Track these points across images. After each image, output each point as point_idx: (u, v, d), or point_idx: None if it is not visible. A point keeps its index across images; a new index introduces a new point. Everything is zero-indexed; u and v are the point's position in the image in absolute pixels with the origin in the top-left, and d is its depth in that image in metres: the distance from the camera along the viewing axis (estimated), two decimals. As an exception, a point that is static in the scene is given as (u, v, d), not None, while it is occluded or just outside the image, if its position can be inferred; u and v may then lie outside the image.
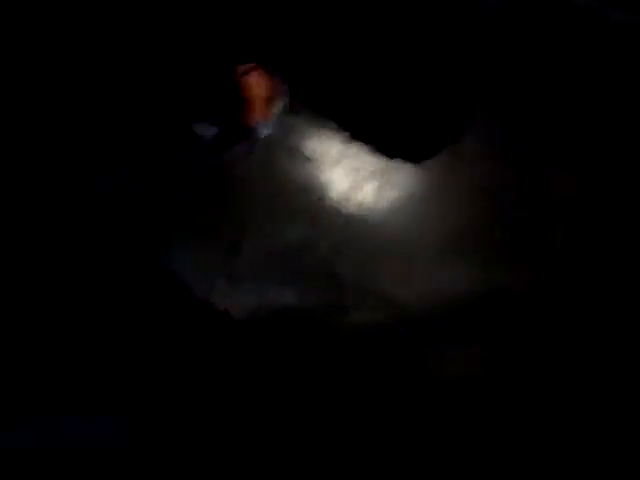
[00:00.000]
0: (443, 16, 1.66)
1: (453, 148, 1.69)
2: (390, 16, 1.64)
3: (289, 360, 1.57)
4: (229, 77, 1.57)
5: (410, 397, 1.55)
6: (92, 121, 1.64)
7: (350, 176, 1.70)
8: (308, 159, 1.69)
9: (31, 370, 1.52)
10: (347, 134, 1.68)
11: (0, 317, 1.54)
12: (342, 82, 1.65)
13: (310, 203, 1.68)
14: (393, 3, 1.64)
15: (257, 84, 1.57)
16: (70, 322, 1.55)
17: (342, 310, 1.61)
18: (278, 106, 1.64)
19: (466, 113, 1.70)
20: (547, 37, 1.76)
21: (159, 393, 1.53)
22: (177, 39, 1.61)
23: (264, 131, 1.63)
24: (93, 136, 1.64)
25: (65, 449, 1.42)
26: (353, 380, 1.57)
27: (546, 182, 1.73)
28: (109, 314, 1.56)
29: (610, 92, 1.74)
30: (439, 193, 1.73)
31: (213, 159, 1.63)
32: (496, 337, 1.62)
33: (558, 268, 1.67)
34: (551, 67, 1.76)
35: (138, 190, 1.62)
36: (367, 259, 1.65)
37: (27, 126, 1.63)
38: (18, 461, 1.40)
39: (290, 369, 1.56)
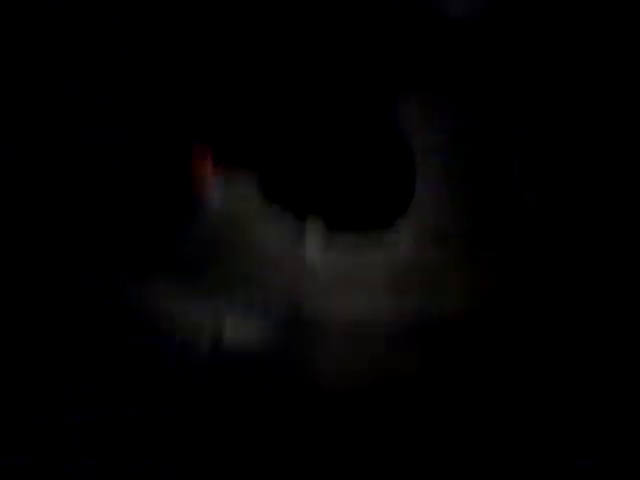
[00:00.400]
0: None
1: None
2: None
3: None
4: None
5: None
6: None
7: (318, 234, 1.75)
8: (269, 223, 1.74)
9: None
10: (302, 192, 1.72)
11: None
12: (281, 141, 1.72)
13: (286, 264, 1.72)
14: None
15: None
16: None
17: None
18: (216, 178, 1.70)
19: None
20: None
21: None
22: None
23: (209, 201, 1.69)
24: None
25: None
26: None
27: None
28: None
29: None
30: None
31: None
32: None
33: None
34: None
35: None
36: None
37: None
38: None
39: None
